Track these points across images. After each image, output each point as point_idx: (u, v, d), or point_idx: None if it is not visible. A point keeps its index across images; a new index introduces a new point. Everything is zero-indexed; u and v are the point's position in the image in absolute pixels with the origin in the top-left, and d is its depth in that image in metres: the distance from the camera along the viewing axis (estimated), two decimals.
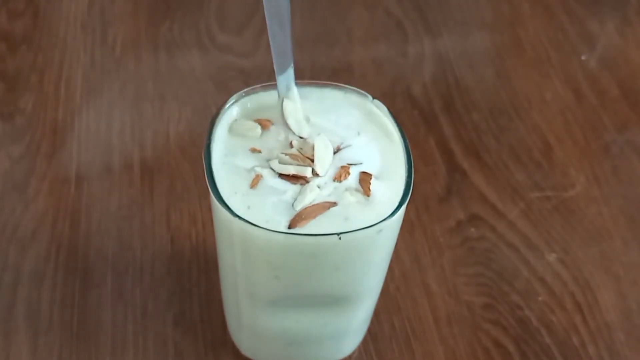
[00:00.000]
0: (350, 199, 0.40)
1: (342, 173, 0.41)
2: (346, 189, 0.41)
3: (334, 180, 0.41)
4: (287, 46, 0.42)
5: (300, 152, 0.41)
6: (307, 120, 0.43)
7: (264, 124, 0.43)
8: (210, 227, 0.58)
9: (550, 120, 0.68)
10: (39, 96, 0.67)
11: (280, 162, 0.41)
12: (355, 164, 0.42)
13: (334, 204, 0.40)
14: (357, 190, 0.41)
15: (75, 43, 0.72)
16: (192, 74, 0.70)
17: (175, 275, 0.56)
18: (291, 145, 0.42)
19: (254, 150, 0.42)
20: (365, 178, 0.41)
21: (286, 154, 0.41)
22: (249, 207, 0.40)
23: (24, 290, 0.55)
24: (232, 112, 0.44)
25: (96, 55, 0.71)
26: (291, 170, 0.41)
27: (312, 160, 0.41)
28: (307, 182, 0.40)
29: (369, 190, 0.41)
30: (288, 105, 0.43)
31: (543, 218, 0.61)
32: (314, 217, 0.39)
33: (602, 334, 0.55)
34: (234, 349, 0.53)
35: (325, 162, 0.41)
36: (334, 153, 0.42)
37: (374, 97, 0.45)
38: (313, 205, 0.40)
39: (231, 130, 0.43)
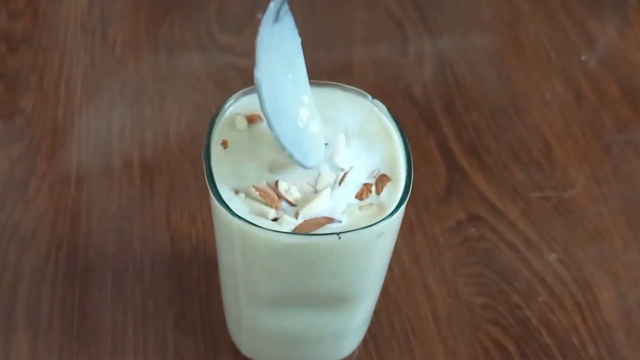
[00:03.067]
0: (354, 208, 0.40)
1: (364, 191, 0.41)
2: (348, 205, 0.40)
3: (355, 198, 0.40)
4: None
5: (268, 186, 0.40)
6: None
7: (250, 119, 0.43)
8: (210, 227, 0.58)
9: (550, 120, 0.68)
10: (39, 96, 0.67)
11: (246, 196, 0.40)
12: (353, 166, 0.42)
13: (331, 220, 0.40)
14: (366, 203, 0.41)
15: (75, 43, 0.72)
16: (192, 74, 0.70)
17: (175, 275, 0.56)
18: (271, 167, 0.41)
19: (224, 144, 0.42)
20: (382, 179, 0.41)
21: (256, 188, 0.40)
22: (248, 207, 0.40)
23: (24, 290, 0.55)
24: (232, 112, 0.44)
25: (96, 55, 0.71)
26: (256, 207, 0.40)
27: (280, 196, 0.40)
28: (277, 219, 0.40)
29: (382, 190, 0.41)
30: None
31: (543, 218, 0.61)
32: (314, 229, 0.39)
33: (602, 334, 0.55)
34: (234, 349, 0.53)
35: (314, 211, 0.40)
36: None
37: (374, 97, 0.45)
38: (306, 221, 0.40)
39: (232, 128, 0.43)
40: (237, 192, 0.40)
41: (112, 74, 0.69)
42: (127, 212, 0.59)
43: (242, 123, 0.43)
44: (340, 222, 0.39)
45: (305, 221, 0.39)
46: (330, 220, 0.39)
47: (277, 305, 0.45)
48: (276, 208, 0.40)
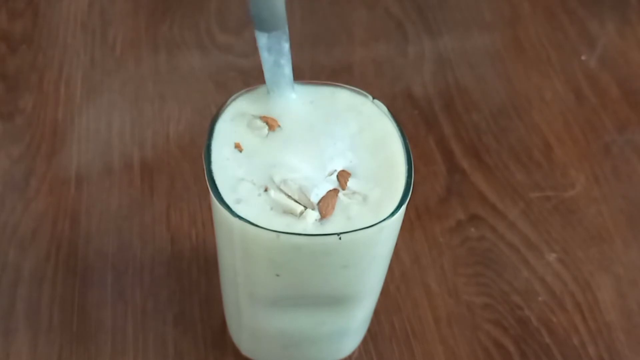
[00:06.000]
0: (350, 200, 0.40)
1: (342, 181, 0.41)
2: (344, 194, 0.41)
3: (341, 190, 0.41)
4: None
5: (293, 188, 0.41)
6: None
7: (270, 124, 0.43)
8: (210, 227, 0.58)
9: (550, 120, 0.68)
10: (39, 96, 0.67)
11: (276, 191, 0.41)
12: (353, 166, 0.42)
13: (336, 190, 0.40)
14: (354, 192, 0.41)
15: (75, 43, 0.72)
16: (192, 74, 0.70)
17: (175, 275, 0.56)
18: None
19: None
20: (343, 174, 0.41)
21: (281, 189, 0.41)
22: (269, 201, 0.40)
23: (24, 290, 0.55)
24: (232, 111, 0.44)
25: (96, 55, 0.71)
26: (284, 201, 0.40)
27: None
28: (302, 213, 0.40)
29: (346, 185, 0.41)
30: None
31: (543, 218, 0.61)
32: (333, 207, 0.40)
33: (602, 334, 0.55)
34: (234, 349, 0.53)
35: (328, 211, 0.41)
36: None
37: (374, 97, 0.45)
38: (323, 198, 0.40)
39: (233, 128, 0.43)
40: (267, 189, 0.40)
41: (112, 74, 0.69)
42: (127, 212, 0.59)
43: (260, 127, 0.43)
44: (344, 189, 0.40)
45: (322, 198, 0.40)
46: (336, 190, 0.40)
47: (277, 305, 0.45)
48: (308, 206, 0.40)
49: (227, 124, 0.43)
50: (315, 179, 0.41)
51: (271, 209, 0.40)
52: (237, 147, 0.42)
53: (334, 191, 0.40)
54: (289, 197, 0.40)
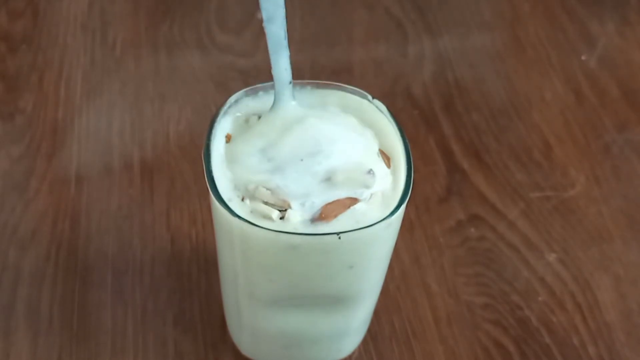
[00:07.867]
0: (367, 207, 0.40)
1: (386, 160, 0.42)
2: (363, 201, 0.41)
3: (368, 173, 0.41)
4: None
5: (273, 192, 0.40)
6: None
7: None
8: (210, 227, 0.58)
9: (550, 120, 0.68)
10: (39, 96, 0.67)
11: (253, 197, 0.40)
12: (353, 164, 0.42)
13: (355, 200, 0.40)
14: (372, 194, 0.41)
15: (75, 43, 0.72)
16: (192, 74, 0.70)
17: (175, 275, 0.56)
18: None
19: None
20: (384, 154, 0.42)
21: (255, 196, 0.40)
22: (248, 207, 0.40)
23: (24, 290, 0.55)
24: (231, 111, 0.44)
25: (96, 55, 0.71)
26: (261, 206, 0.40)
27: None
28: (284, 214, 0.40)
29: (390, 165, 0.41)
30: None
31: (543, 218, 0.61)
32: (335, 216, 0.39)
33: (602, 334, 0.55)
34: (234, 349, 0.53)
35: (329, 215, 0.40)
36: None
37: (373, 97, 0.45)
38: (332, 203, 0.40)
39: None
40: (243, 199, 0.40)
41: (112, 74, 0.69)
42: (127, 212, 0.59)
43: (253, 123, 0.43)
44: (363, 199, 0.40)
45: (334, 202, 0.39)
46: (354, 200, 0.40)
47: (276, 306, 0.45)
48: (284, 207, 0.40)
49: (227, 124, 0.43)
50: (360, 156, 0.41)
51: (251, 212, 0.40)
52: (227, 138, 0.42)
53: (350, 200, 0.40)
54: (266, 203, 0.40)
